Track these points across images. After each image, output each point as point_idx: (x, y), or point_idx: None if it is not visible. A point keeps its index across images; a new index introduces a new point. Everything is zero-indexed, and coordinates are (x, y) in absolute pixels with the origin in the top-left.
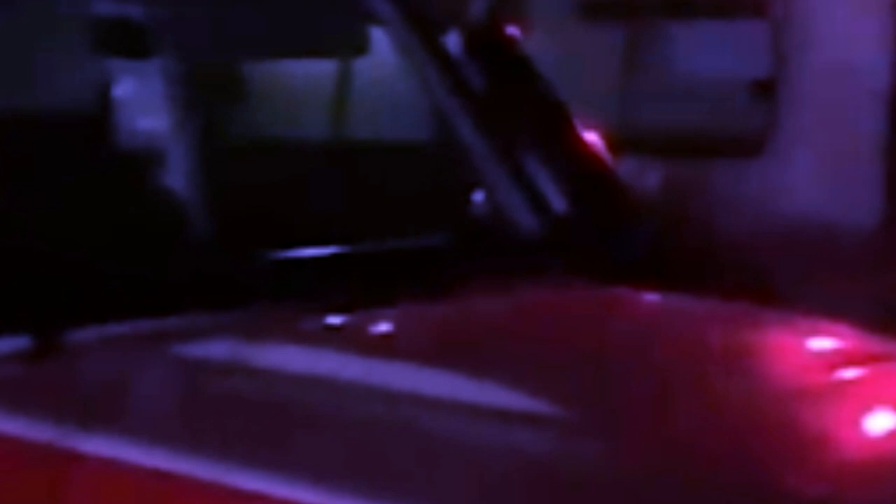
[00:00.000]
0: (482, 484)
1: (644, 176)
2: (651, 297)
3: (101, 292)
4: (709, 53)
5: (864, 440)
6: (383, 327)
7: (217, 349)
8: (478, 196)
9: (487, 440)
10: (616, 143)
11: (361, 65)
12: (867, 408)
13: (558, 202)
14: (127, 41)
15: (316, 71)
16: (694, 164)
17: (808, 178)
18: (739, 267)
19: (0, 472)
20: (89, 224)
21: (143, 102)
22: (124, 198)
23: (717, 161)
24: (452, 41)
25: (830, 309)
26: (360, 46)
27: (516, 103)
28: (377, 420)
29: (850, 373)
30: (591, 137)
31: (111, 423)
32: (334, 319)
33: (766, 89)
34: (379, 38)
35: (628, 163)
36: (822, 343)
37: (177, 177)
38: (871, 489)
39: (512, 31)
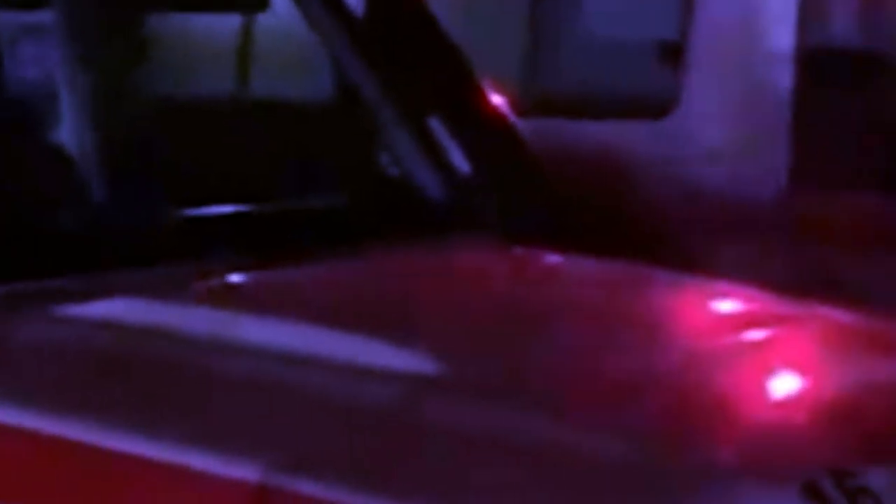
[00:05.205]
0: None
1: (550, 139)
2: (551, 259)
3: None
4: (617, 15)
5: (766, 403)
6: (281, 287)
7: (104, 308)
8: (381, 156)
9: (361, 398)
10: (521, 106)
11: (262, 21)
12: (769, 370)
13: (462, 164)
14: None
15: (216, 26)
16: (597, 126)
17: (714, 140)
18: (643, 228)
19: None
20: None
21: (36, 56)
22: (12, 153)
23: (620, 123)
24: None
25: (738, 272)
26: (259, 2)
27: (420, 63)
28: (253, 378)
29: (754, 334)
30: (496, 100)
31: None
32: (232, 278)
33: (673, 50)
34: None
35: (534, 124)
36: (725, 305)
37: (70, 132)
38: (770, 452)
39: None
